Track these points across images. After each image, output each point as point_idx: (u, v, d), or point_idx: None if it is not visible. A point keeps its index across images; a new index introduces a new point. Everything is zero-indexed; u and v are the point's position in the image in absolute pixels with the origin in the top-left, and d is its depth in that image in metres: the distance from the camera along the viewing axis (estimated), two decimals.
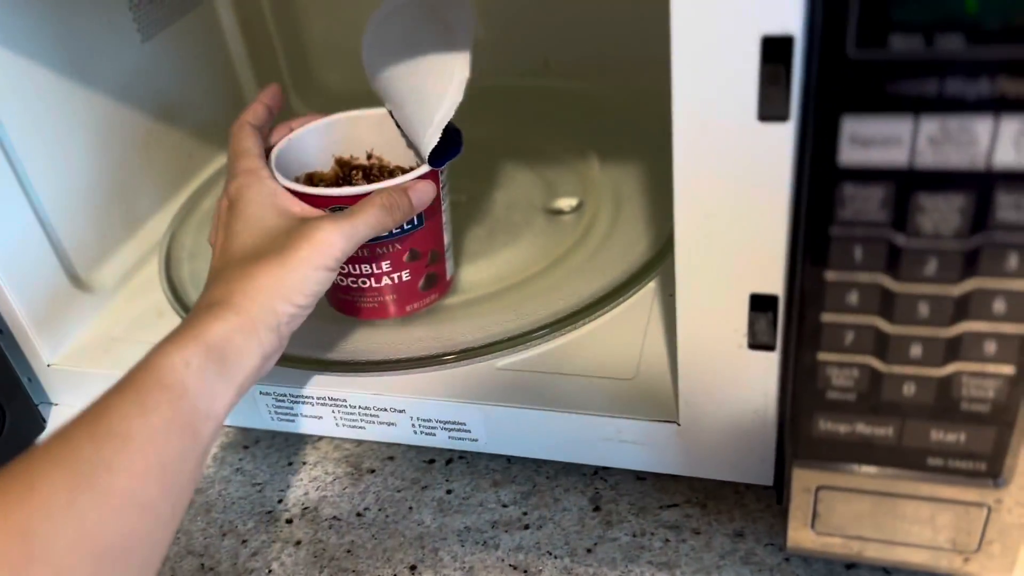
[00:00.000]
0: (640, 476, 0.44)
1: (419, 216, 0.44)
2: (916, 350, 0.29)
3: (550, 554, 0.41)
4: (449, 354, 0.45)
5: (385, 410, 0.45)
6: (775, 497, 0.42)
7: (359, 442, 0.49)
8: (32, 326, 0.49)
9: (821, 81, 0.25)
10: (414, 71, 0.45)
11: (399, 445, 0.48)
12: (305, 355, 0.46)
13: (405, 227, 0.43)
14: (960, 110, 0.24)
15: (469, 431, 0.44)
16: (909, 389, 0.30)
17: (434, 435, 0.45)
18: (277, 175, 0.44)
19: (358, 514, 0.45)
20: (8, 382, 0.48)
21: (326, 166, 0.49)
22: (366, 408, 0.46)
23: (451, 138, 0.44)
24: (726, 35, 0.28)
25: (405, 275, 0.45)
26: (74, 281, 0.53)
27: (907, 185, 0.26)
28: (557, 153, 0.62)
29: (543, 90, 0.70)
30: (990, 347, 0.28)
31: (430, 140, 0.43)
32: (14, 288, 0.48)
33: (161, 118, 0.61)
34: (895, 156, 0.25)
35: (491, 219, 0.57)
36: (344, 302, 0.47)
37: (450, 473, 0.46)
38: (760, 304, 0.34)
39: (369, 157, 0.49)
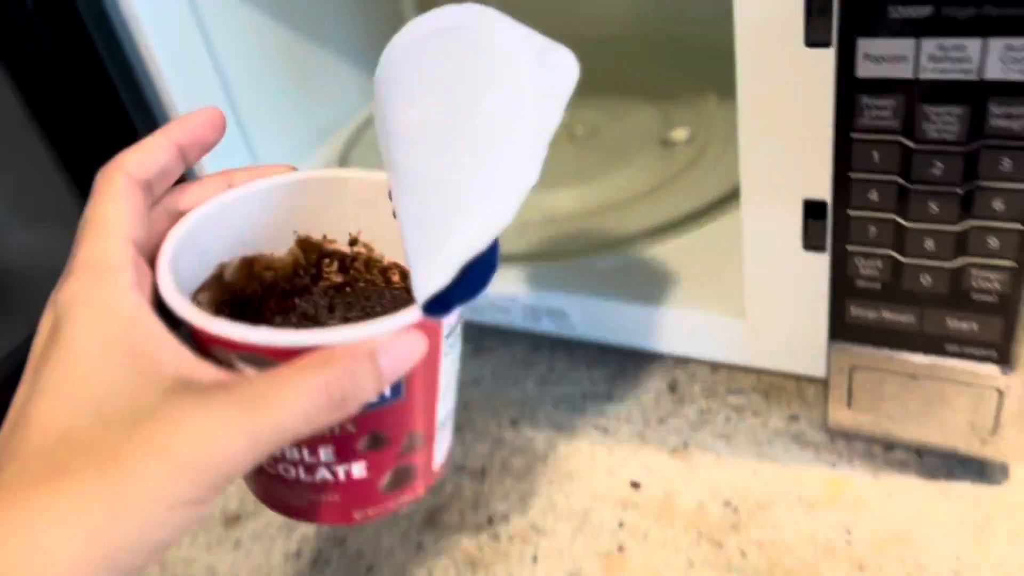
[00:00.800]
0: (715, 368, 0.51)
1: (394, 387, 0.27)
2: (929, 243, 0.34)
3: (627, 420, 0.49)
4: (556, 253, 0.53)
5: (501, 297, 0.54)
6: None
7: (480, 325, 0.58)
8: None
9: (842, 8, 0.31)
10: (443, 143, 0.27)
11: (512, 330, 0.57)
12: None
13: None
14: (954, 33, 0.29)
15: (568, 318, 0.52)
16: (926, 279, 0.36)
17: (539, 321, 0.54)
18: (163, 275, 0.26)
19: (474, 380, 0.54)
20: None
21: (282, 246, 0.32)
22: (484, 295, 0.54)
23: (478, 262, 0.26)
24: None
25: (357, 470, 0.28)
26: None
27: (913, 96, 0.31)
28: (678, 91, 0.68)
29: (673, 38, 0.76)
30: (993, 242, 0.33)
31: (431, 279, 0.26)
32: None
33: (323, 54, 0.72)
34: (902, 71, 0.31)
35: (605, 147, 0.63)
36: (264, 492, 0.30)
37: (553, 356, 0.54)
38: (812, 209, 0.40)
39: (353, 243, 0.33)
